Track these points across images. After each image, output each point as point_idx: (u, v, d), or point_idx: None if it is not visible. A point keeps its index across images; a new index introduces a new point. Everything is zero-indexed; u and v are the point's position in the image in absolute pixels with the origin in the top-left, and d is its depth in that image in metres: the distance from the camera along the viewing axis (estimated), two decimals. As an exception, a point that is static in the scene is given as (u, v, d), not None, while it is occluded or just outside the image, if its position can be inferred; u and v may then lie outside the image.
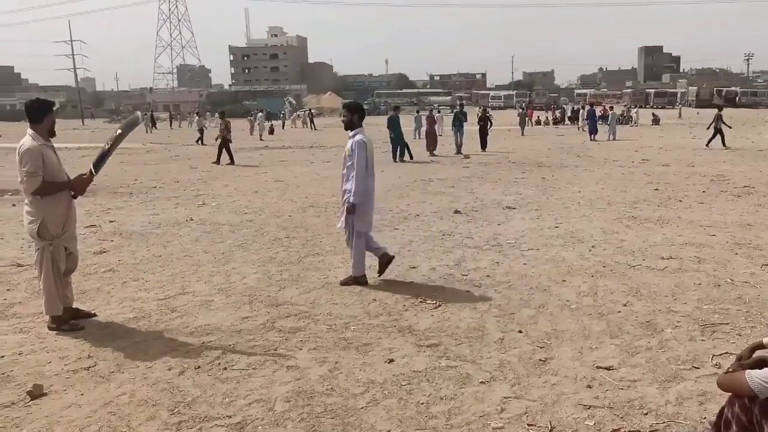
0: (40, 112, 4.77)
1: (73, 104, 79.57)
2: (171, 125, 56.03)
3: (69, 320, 4.89)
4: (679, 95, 73.17)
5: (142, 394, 3.76)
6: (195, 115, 30.58)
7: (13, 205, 10.81)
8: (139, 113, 5.39)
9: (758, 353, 3.04)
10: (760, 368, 2.72)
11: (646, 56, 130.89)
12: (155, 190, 13.25)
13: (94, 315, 5.14)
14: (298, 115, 50.99)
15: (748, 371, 2.71)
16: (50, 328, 4.82)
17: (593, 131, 26.40)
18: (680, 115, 48.12)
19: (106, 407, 3.59)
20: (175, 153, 24.54)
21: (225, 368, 4.11)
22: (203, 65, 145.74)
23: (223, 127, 19.34)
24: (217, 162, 18.86)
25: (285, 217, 9.58)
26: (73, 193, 4.90)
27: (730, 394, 2.88)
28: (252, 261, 6.87)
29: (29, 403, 3.66)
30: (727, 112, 25.39)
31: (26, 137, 4.74)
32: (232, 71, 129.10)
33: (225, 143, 18.98)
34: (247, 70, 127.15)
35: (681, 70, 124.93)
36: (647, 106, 64.79)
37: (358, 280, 5.90)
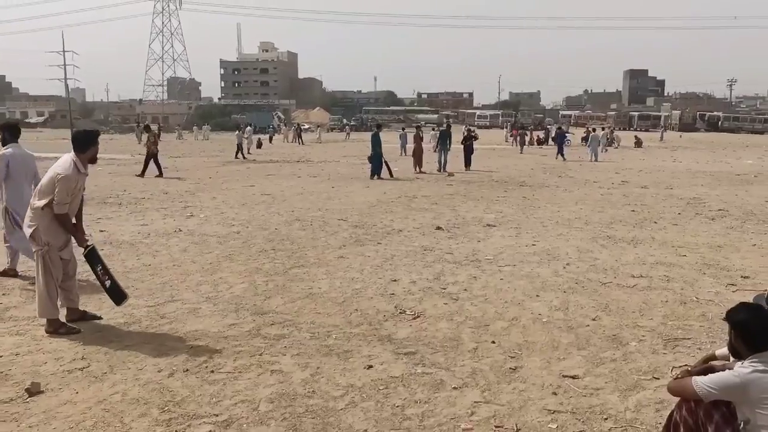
0: (85, 143, 5.08)
1: (62, 114, 79.44)
2: (159, 137, 56.03)
3: (66, 325, 5.09)
4: (662, 118, 74.37)
5: (134, 393, 3.98)
6: (240, 129, 31.90)
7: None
8: None
9: (710, 364, 3.35)
10: (705, 375, 3.03)
11: (631, 79, 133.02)
12: (144, 201, 13.42)
13: (100, 318, 5.38)
14: (294, 129, 50.97)
15: (694, 377, 3.02)
16: (47, 332, 5.00)
17: (560, 151, 28.29)
18: (662, 138, 49.04)
19: (100, 405, 3.81)
20: (164, 165, 24.60)
21: (212, 371, 4.34)
22: (193, 78, 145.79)
23: (152, 140, 20.46)
24: (142, 175, 19.13)
25: (271, 230, 9.81)
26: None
27: (679, 398, 3.17)
28: (239, 272, 7.10)
29: (27, 400, 3.87)
30: (709, 137, 26.00)
31: (69, 161, 5.01)
32: (222, 85, 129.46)
33: (152, 156, 19.73)
34: (237, 84, 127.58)
35: (665, 94, 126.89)
36: (631, 129, 65.89)
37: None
